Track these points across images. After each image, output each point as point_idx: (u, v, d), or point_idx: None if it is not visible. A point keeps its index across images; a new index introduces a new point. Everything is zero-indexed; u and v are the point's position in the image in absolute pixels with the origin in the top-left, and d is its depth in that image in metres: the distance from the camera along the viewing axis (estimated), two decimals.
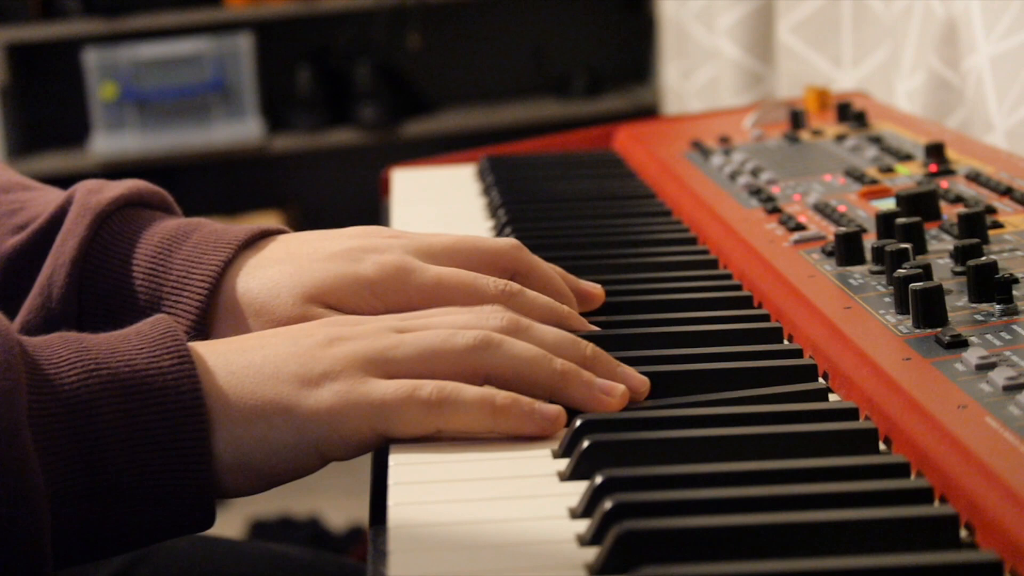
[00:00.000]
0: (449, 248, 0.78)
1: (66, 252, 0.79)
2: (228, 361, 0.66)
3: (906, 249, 0.75)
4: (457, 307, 0.72)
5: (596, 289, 0.81)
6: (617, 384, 0.68)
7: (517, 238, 0.95)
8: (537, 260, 0.79)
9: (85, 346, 0.64)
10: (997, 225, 0.83)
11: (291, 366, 0.66)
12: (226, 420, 0.64)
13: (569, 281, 0.80)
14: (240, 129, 3.09)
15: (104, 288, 0.79)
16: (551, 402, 0.67)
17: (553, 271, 0.80)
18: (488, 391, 0.66)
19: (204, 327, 0.77)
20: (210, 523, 0.65)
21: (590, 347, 0.70)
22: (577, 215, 1.04)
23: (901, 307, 0.72)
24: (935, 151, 0.99)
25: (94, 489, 0.62)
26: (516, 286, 0.76)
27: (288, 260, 0.78)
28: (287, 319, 0.75)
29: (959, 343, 0.66)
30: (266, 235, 0.81)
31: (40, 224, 0.81)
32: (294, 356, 0.66)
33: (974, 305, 0.71)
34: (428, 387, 0.65)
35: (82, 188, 0.82)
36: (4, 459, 0.59)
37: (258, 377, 0.65)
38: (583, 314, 0.79)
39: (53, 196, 0.84)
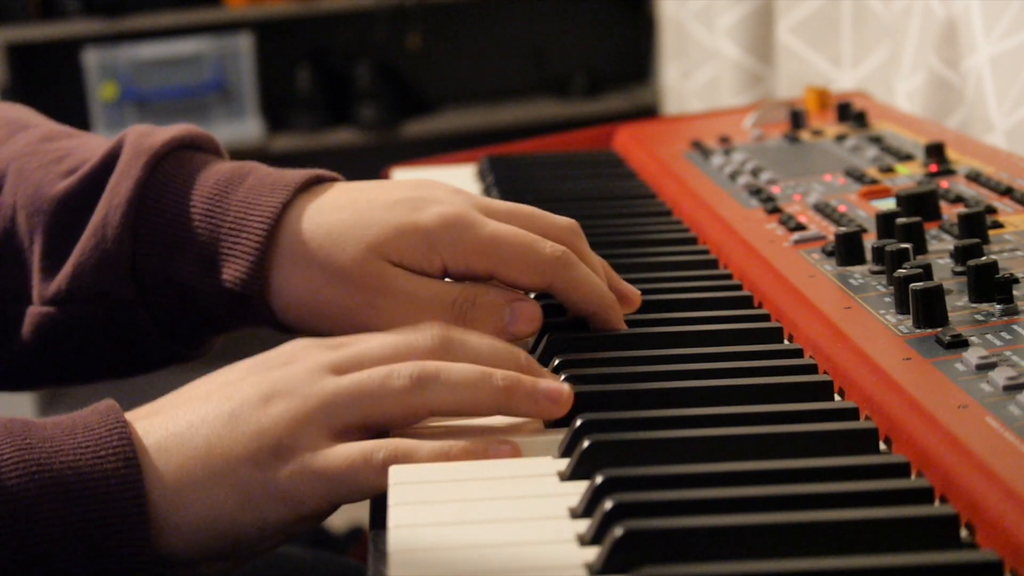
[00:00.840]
0: (508, 210, 0.77)
1: (121, 192, 0.79)
2: (173, 454, 0.64)
3: (906, 249, 0.75)
4: (385, 333, 0.70)
5: (635, 294, 0.79)
6: (563, 386, 0.67)
7: None
8: (588, 249, 0.78)
9: (29, 443, 0.63)
10: (997, 225, 0.83)
11: (237, 448, 0.64)
12: (182, 524, 0.63)
13: (612, 278, 0.79)
14: (240, 129, 3.09)
15: (159, 228, 0.79)
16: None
17: (601, 265, 0.79)
18: (441, 448, 0.64)
19: (262, 270, 0.77)
20: None
21: (523, 354, 0.70)
22: (577, 215, 1.04)
23: (901, 307, 0.72)
24: (935, 151, 0.99)
25: None
26: (572, 256, 0.75)
27: (349, 207, 0.77)
28: (353, 271, 0.75)
29: (959, 343, 0.66)
30: (321, 180, 0.80)
31: (91, 167, 0.81)
32: (236, 432, 0.64)
33: (974, 305, 0.71)
34: (380, 453, 0.64)
35: (133, 132, 0.82)
36: None
37: (208, 469, 0.64)
38: None
39: (98, 143, 0.84)
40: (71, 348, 0.81)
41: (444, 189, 0.78)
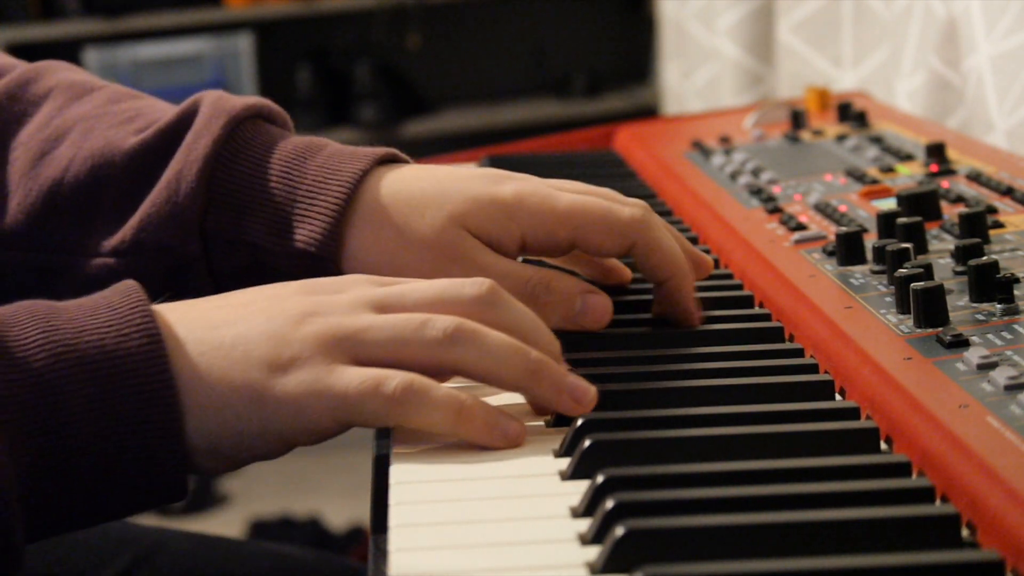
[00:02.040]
0: (582, 187, 0.79)
1: (199, 149, 0.79)
2: (199, 340, 0.64)
3: (907, 249, 0.75)
4: (438, 281, 0.69)
5: (707, 261, 0.81)
6: (590, 387, 0.66)
7: None
8: (662, 221, 0.78)
9: (53, 324, 0.63)
10: (998, 225, 0.83)
11: (261, 349, 0.64)
12: (195, 407, 0.63)
13: (685, 245, 0.80)
14: None
15: (234, 188, 0.79)
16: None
17: (675, 235, 0.79)
18: (455, 396, 0.64)
19: (338, 232, 0.77)
20: (183, 495, 0.65)
21: (558, 344, 0.69)
22: None
23: (902, 307, 0.72)
24: (936, 151, 0.99)
25: (60, 470, 0.61)
26: (652, 218, 0.76)
27: (429, 178, 0.78)
28: (431, 238, 0.75)
29: (960, 343, 0.66)
30: (396, 159, 0.81)
31: (167, 122, 0.81)
32: (265, 337, 0.65)
33: (975, 305, 0.71)
34: (393, 382, 0.63)
35: (209, 94, 0.82)
36: None
37: (228, 361, 0.64)
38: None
39: (165, 105, 0.85)
40: None
41: (516, 174, 0.79)
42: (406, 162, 0.82)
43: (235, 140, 0.80)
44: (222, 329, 0.65)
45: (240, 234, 0.79)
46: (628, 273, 0.83)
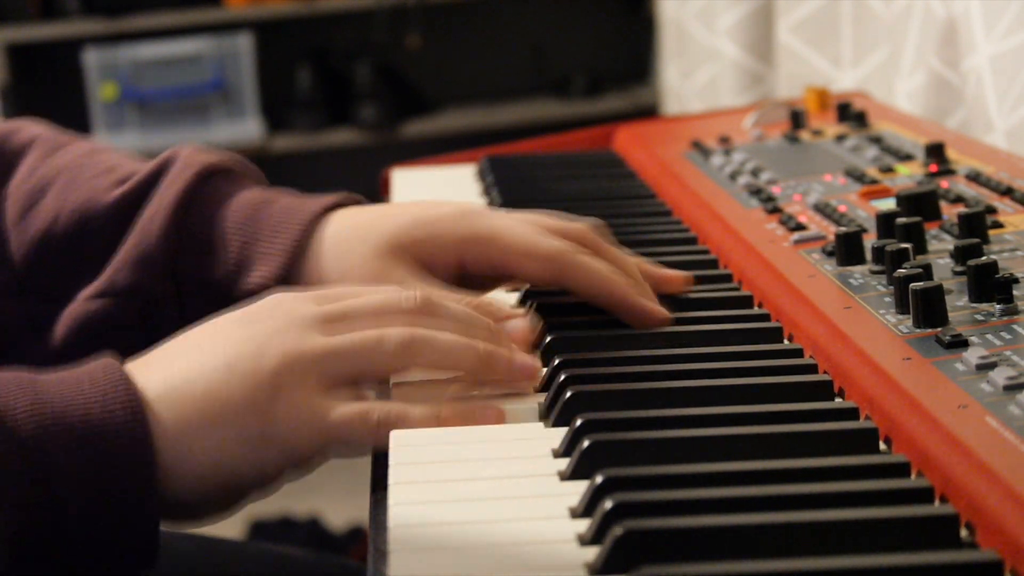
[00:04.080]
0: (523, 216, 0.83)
1: (169, 196, 0.84)
2: (176, 404, 0.66)
3: (906, 249, 0.75)
4: (370, 291, 0.73)
5: (675, 275, 0.83)
6: (536, 363, 0.72)
7: None
8: (608, 246, 0.83)
9: (40, 397, 0.65)
10: (997, 225, 0.83)
11: (235, 396, 0.66)
12: (186, 471, 0.66)
13: (646, 270, 0.82)
14: (240, 129, 3.09)
15: (201, 231, 0.84)
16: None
17: (622, 260, 0.82)
18: (433, 411, 0.68)
19: (292, 270, 0.82)
20: (152, 564, 0.66)
21: (493, 324, 0.73)
22: (578, 215, 1.04)
23: (901, 307, 0.72)
24: (935, 151, 0.99)
25: (48, 537, 0.63)
26: (570, 253, 0.79)
27: (376, 211, 0.84)
28: (365, 268, 0.80)
29: (959, 343, 0.66)
30: (351, 202, 0.87)
31: (146, 174, 0.87)
32: (235, 383, 0.67)
33: (974, 305, 0.71)
34: (375, 415, 0.68)
35: (186, 148, 0.88)
36: None
37: (210, 420, 0.66)
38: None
39: (140, 161, 0.90)
40: (99, 347, 0.82)
41: (455, 202, 0.84)
42: (359, 203, 0.87)
43: (205, 187, 0.85)
44: (187, 386, 0.67)
45: (207, 276, 0.84)
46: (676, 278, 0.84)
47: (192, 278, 0.84)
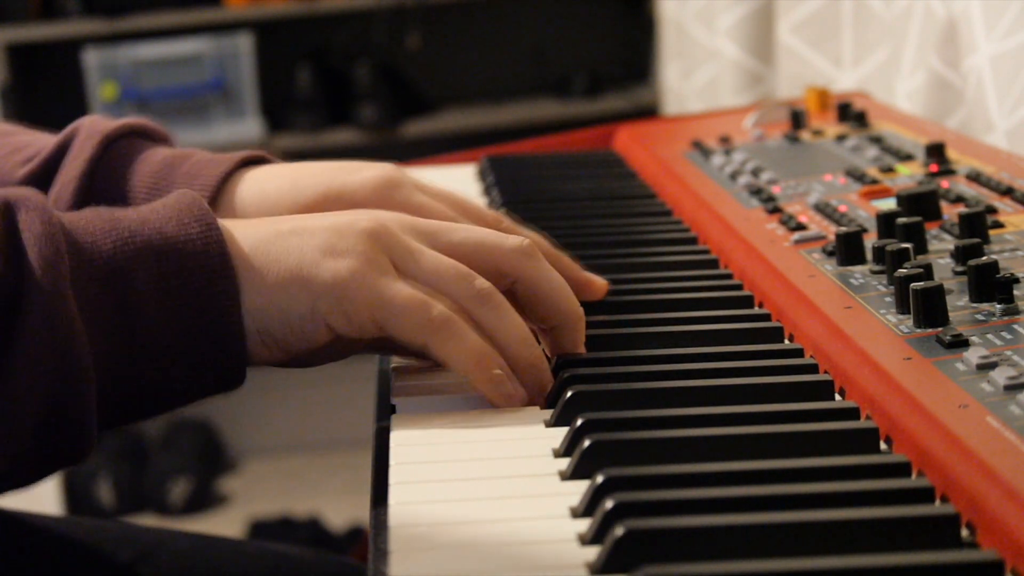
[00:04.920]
0: (440, 192, 0.83)
1: (74, 169, 0.83)
2: (256, 229, 0.69)
3: (907, 249, 0.75)
4: (479, 228, 0.73)
5: (600, 282, 0.81)
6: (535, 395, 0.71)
7: None
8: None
9: (117, 218, 0.67)
10: (998, 225, 0.83)
11: (317, 237, 0.68)
12: (249, 287, 0.67)
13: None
14: (240, 129, 3.09)
15: (109, 198, 0.83)
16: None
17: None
18: (484, 344, 0.68)
19: None
20: (241, 381, 0.68)
21: (540, 354, 0.72)
22: (577, 215, 1.04)
23: (902, 307, 0.72)
24: (936, 151, 0.99)
25: (132, 350, 0.65)
26: (504, 220, 0.79)
27: (287, 175, 0.82)
28: None
29: (960, 343, 0.66)
30: (263, 160, 0.85)
31: (49, 151, 0.86)
32: (323, 228, 0.69)
33: (975, 305, 0.71)
34: (438, 308, 0.68)
35: (87, 119, 0.87)
36: (52, 319, 0.62)
37: (283, 245, 0.68)
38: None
39: (48, 136, 0.89)
40: None
41: (380, 163, 0.82)
42: (270, 161, 0.86)
43: (108, 157, 0.85)
44: (281, 224, 0.69)
45: None
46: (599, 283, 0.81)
47: None
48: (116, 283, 0.65)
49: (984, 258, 0.72)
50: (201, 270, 0.66)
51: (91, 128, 0.85)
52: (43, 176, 0.85)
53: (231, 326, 0.66)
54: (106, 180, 0.83)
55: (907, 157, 1.02)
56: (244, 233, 0.68)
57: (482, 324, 0.69)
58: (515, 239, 0.72)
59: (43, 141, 0.88)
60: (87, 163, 0.83)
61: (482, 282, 0.70)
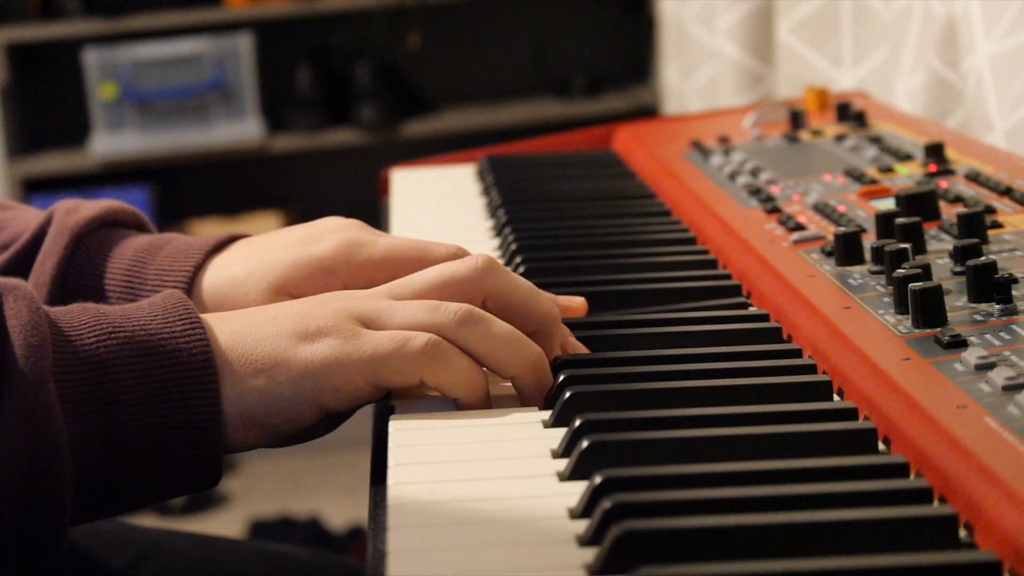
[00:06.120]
0: (394, 245, 0.81)
1: (45, 272, 0.83)
2: (232, 323, 0.70)
3: (905, 249, 0.75)
4: (436, 266, 0.74)
5: (578, 300, 0.80)
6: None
7: (517, 238, 0.95)
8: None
9: (103, 312, 0.68)
10: (996, 225, 0.83)
11: (289, 324, 0.69)
12: (230, 376, 0.68)
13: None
14: (240, 129, 3.09)
15: (83, 301, 0.80)
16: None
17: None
18: (471, 361, 0.69)
19: None
20: (216, 480, 0.69)
21: (539, 351, 0.71)
22: (577, 215, 1.04)
23: (900, 307, 0.72)
24: (935, 151, 0.99)
25: (110, 444, 0.65)
26: (464, 251, 0.78)
27: (253, 256, 0.82)
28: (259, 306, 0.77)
29: (958, 343, 0.66)
30: (233, 240, 0.85)
31: (22, 244, 0.85)
32: (292, 315, 0.70)
33: (973, 305, 0.71)
34: (420, 337, 0.68)
35: (60, 209, 0.86)
36: (32, 408, 0.62)
37: (259, 335, 0.69)
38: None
39: (32, 215, 0.88)
40: None
41: (340, 221, 0.82)
42: (244, 236, 0.85)
43: (79, 257, 0.84)
44: (255, 314, 0.71)
45: None
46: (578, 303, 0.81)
47: None
48: (98, 375, 0.65)
49: (983, 258, 0.72)
50: (183, 366, 0.67)
51: (62, 223, 0.84)
52: (18, 268, 0.84)
53: (209, 423, 0.67)
54: (79, 280, 0.83)
55: (906, 157, 1.02)
56: (221, 328, 0.69)
57: (471, 344, 0.69)
58: (470, 260, 0.73)
59: (19, 222, 0.87)
60: (57, 266, 0.83)
61: (455, 305, 0.70)
